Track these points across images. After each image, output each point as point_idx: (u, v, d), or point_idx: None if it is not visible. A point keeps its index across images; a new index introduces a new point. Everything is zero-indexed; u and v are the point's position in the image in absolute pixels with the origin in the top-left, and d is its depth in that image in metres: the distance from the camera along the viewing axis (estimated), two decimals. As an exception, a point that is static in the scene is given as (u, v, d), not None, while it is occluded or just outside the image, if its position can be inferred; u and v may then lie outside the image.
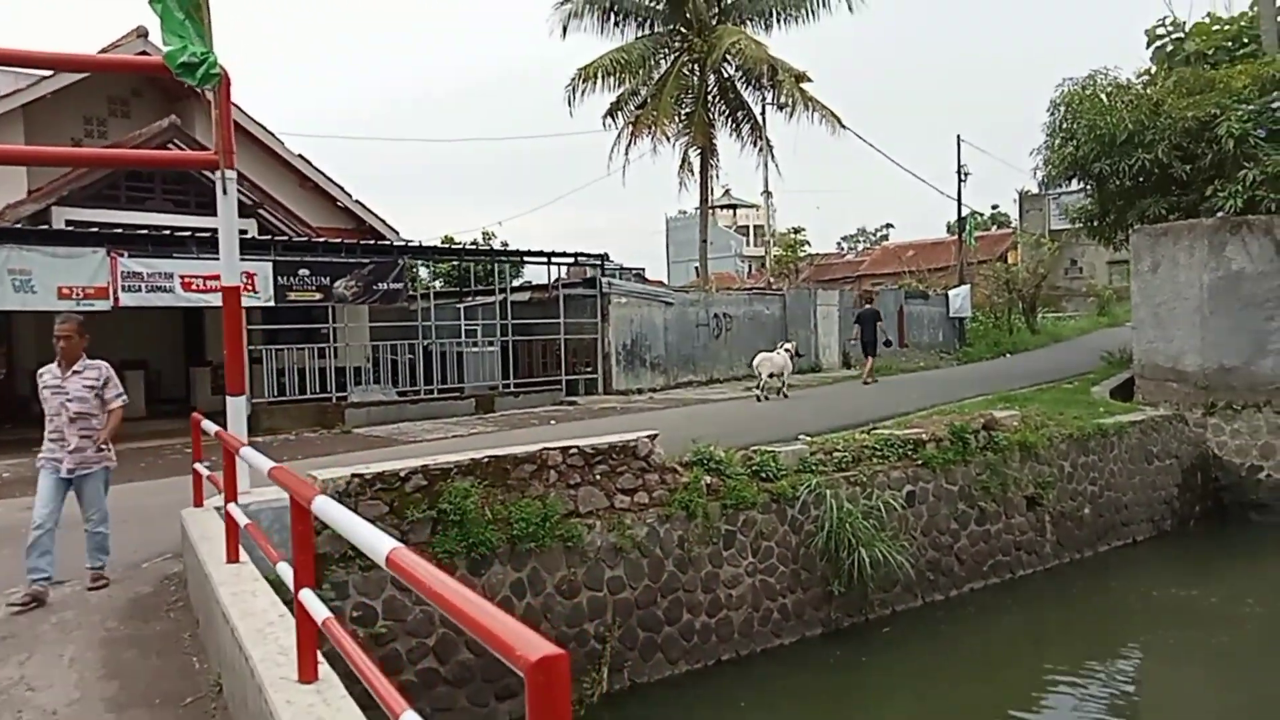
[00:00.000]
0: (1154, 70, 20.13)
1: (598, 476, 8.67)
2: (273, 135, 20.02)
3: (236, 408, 6.96)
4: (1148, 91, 18.07)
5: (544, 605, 8.08)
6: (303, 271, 15.19)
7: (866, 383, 20.61)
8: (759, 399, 17.44)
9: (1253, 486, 15.02)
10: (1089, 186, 19.35)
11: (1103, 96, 18.05)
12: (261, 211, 18.26)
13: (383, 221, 21.14)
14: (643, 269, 46.82)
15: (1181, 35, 20.86)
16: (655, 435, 9.27)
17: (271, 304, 14.98)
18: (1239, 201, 15.37)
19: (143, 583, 7.05)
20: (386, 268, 16.48)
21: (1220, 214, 15.67)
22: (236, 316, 6.95)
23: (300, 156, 20.38)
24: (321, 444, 13.28)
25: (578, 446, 8.55)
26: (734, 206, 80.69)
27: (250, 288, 14.56)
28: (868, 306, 23.07)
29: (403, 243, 18.61)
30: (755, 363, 18.04)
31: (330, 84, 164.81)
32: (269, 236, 16.49)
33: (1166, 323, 16.05)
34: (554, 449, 8.40)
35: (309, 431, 14.76)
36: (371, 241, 17.81)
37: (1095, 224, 20.16)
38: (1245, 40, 20.10)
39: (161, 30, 6.13)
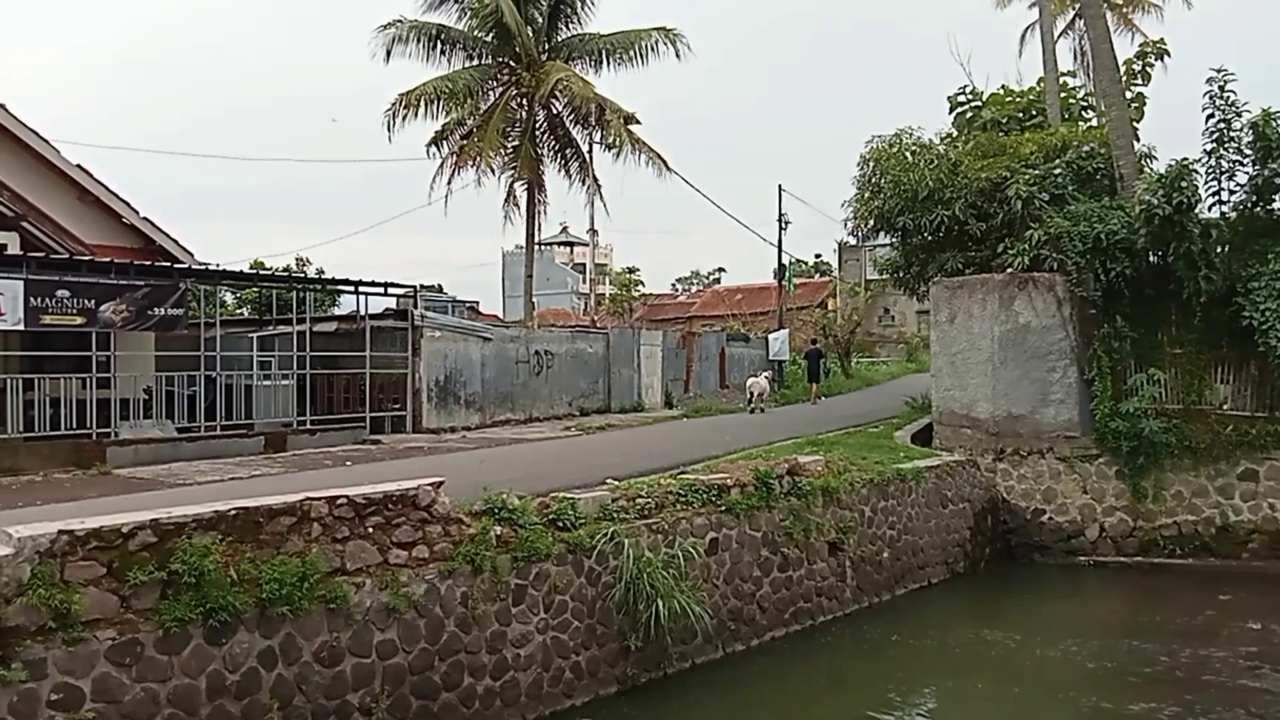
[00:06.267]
0: (954, 134, 21.40)
1: (370, 529, 7.86)
2: (46, 142, 17.95)
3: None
4: (948, 152, 19.08)
5: (299, 676, 7.17)
6: (62, 292, 13.51)
7: (815, 404, 26.51)
8: (750, 412, 23.30)
9: (1036, 529, 15.81)
10: (894, 239, 20.19)
11: (908, 154, 18.91)
12: (25, 225, 16.33)
13: (174, 242, 19.38)
14: (477, 302, 45.75)
15: (979, 104, 22.39)
16: (440, 483, 8.56)
17: (21, 328, 13.21)
18: (1026, 259, 16.32)
19: None
20: (165, 291, 14.95)
21: (1010, 270, 16.59)
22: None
23: (79, 167, 18.41)
24: (70, 487, 11.70)
25: (347, 496, 7.73)
26: (570, 244, 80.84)
27: (-7, 309, 12.85)
28: (814, 346, 29.62)
29: (187, 265, 16.98)
30: (748, 384, 24.81)
31: (127, 90, 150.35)
32: (24, 254, 14.66)
33: (962, 371, 16.78)
34: (318, 499, 7.55)
35: (60, 472, 13.05)
36: (150, 263, 16.15)
37: (900, 275, 21.06)
38: (1034, 112, 21.81)
39: None
